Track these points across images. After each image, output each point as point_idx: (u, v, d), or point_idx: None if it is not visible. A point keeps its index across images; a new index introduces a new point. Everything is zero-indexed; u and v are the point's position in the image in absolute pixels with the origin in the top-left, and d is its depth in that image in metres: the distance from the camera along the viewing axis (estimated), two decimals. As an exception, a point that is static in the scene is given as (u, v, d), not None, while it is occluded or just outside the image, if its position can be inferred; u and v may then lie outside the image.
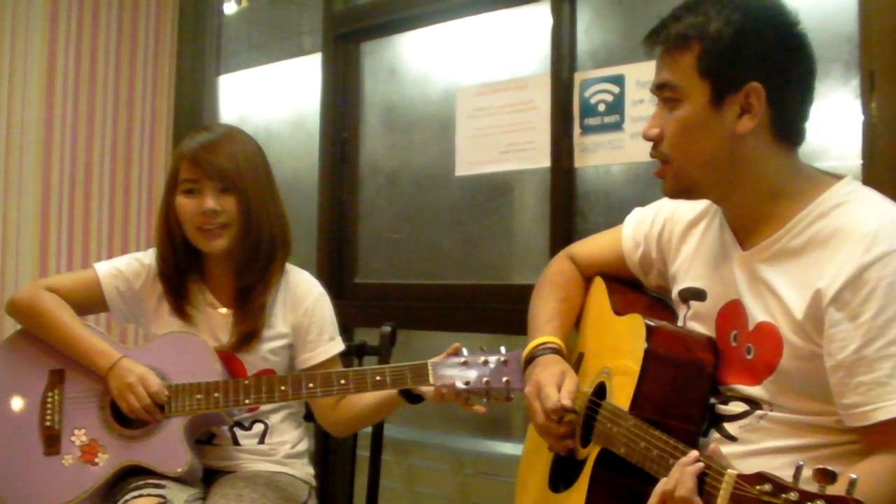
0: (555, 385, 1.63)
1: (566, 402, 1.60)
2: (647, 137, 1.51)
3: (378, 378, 1.94)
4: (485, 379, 1.91)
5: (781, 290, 1.42)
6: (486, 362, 1.92)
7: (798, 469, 1.09)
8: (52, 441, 2.05)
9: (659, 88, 1.49)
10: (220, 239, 2.07)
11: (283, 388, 1.98)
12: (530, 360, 1.74)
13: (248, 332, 2.09)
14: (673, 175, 1.50)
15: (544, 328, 1.78)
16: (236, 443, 2.13)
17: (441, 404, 1.93)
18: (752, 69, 1.41)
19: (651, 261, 1.74)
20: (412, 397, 1.99)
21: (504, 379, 1.89)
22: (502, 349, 1.93)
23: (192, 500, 1.99)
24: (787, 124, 1.46)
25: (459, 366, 1.92)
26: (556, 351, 1.73)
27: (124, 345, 2.19)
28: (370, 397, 2.05)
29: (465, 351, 1.94)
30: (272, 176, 2.17)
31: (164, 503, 1.91)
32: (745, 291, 1.48)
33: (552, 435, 1.65)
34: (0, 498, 2.04)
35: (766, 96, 1.41)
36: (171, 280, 2.13)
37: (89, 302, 2.15)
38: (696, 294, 1.59)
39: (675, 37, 1.45)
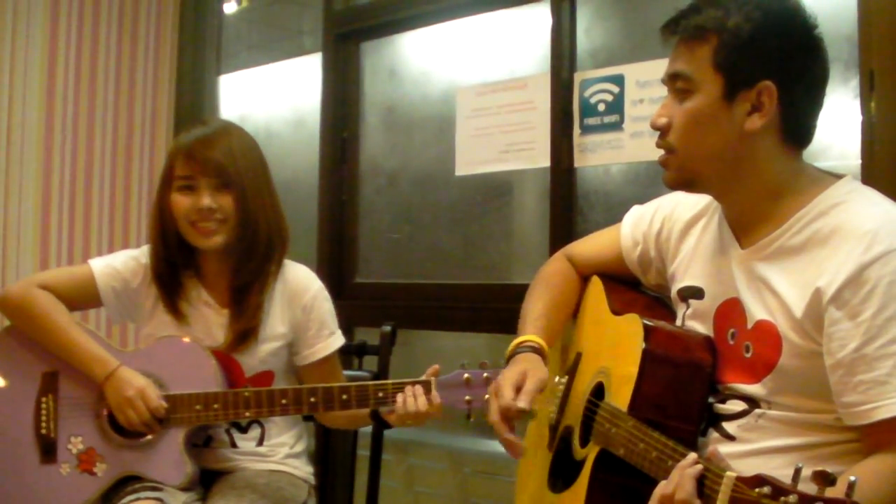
0: (512, 385, 1.60)
1: (521, 404, 1.57)
2: (654, 126, 1.50)
3: (381, 394, 1.94)
4: (486, 396, 1.92)
5: (780, 289, 1.41)
6: (487, 379, 1.92)
7: (797, 471, 1.08)
8: (48, 449, 2.02)
9: (672, 78, 1.48)
10: (217, 236, 2.03)
11: (283, 401, 1.96)
12: (511, 357, 1.72)
13: (245, 330, 2.06)
14: (677, 165, 1.49)
15: (529, 327, 1.77)
16: (234, 445, 2.12)
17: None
18: (766, 68, 1.41)
19: (650, 259, 1.73)
20: (382, 422, 2.00)
21: None
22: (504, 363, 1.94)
23: (190, 502, 1.99)
24: (796, 126, 1.46)
25: (462, 385, 1.93)
26: (536, 350, 1.71)
27: (123, 348, 2.16)
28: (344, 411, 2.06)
29: (465, 365, 1.95)
30: (269, 172, 2.14)
31: (161, 507, 1.90)
32: (744, 290, 1.48)
33: (501, 436, 1.61)
34: None
35: (777, 96, 1.41)
36: (165, 278, 2.10)
37: (83, 300, 2.11)
38: (695, 293, 1.59)
39: (694, 28, 1.45)
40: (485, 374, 1.92)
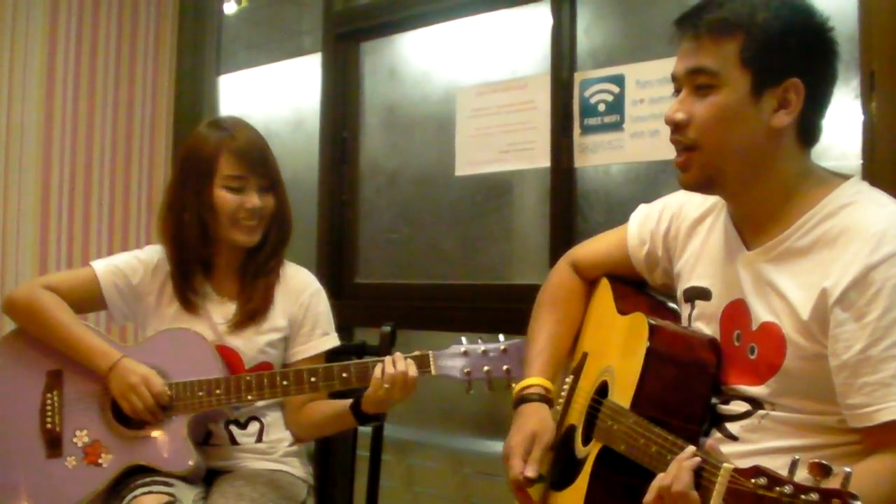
0: (520, 456, 1.65)
1: (530, 473, 1.63)
2: (671, 121, 1.48)
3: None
4: (485, 368, 1.93)
5: (787, 291, 1.41)
6: (485, 352, 1.94)
7: (794, 463, 1.08)
8: (53, 443, 2.04)
9: (692, 73, 1.45)
10: (256, 234, 2.11)
11: (284, 382, 1.98)
12: (520, 401, 1.74)
13: (254, 310, 2.11)
14: (701, 163, 1.47)
15: (534, 362, 1.78)
16: (234, 442, 2.13)
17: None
18: (794, 65, 1.41)
19: (656, 258, 1.73)
20: (361, 417, 2.01)
21: (504, 367, 1.92)
22: (501, 338, 1.96)
23: (198, 499, 2.00)
24: (811, 124, 1.46)
25: (460, 355, 1.94)
26: (542, 397, 1.73)
27: (124, 343, 2.18)
28: (329, 408, 2.09)
29: (464, 340, 1.96)
30: None
31: (173, 501, 1.91)
32: (750, 291, 1.48)
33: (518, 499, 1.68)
34: None
35: (804, 93, 1.41)
36: (180, 272, 2.13)
37: (88, 301, 2.14)
38: (701, 293, 1.59)
39: (718, 22, 1.43)
40: (502, 347, 1.93)
